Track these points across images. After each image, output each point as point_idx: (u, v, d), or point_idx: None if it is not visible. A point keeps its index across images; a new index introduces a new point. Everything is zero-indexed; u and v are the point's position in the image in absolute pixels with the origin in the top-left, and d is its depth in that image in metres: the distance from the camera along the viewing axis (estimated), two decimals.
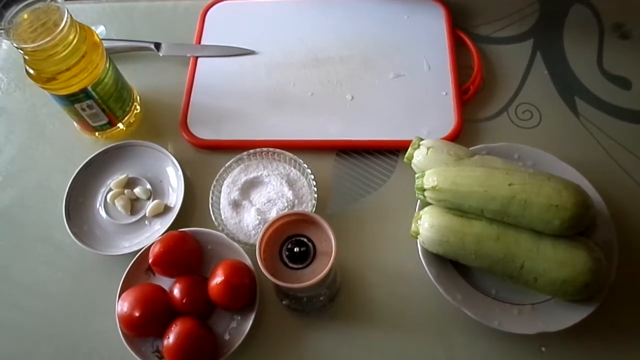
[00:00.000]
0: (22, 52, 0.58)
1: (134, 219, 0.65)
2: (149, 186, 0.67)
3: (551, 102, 0.72)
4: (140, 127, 0.73)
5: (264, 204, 0.63)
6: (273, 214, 0.62)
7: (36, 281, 0.64)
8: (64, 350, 0.60)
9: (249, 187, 0.65)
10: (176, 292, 0.56)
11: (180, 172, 0.66)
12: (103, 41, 0.65)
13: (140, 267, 0.60)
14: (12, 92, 0.79)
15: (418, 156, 0.59)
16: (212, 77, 0.75)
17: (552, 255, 0.52)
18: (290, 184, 0.64)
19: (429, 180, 0.55)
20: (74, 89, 0.61)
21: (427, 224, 0.55)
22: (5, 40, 0.83)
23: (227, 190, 0.64)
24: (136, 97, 0.73)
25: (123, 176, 0.67)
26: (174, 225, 0.63)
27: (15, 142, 0.74)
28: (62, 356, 0.59)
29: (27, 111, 0.77)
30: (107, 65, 0.64)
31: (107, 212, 0.66)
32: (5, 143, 0.74)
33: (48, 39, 0.56)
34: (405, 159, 0.61)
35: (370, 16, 0.79)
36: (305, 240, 0.50)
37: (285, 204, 0.62)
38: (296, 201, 0.63)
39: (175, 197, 0.66)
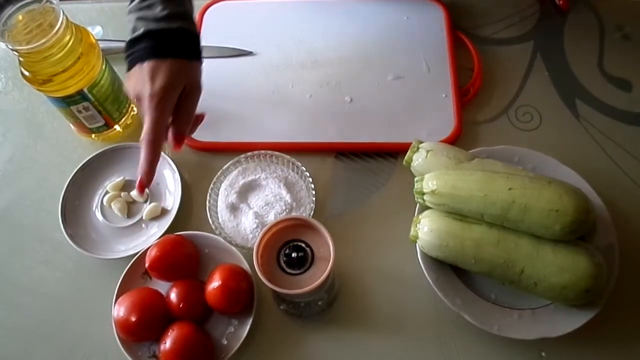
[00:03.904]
0: (17, 54, 0.57)
1: (131, 222, 0.64)
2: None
3: (552, 104, 0.71)
4: (137, 128, 0.72)
5: (262, 207, 0.62)
6: (271, 217, 0.61)
7: (33, 282, 0.63)
8: (60, 353, 0.59)
9: (246, 190, 0.64)
10: (173, 296, 0.56)
11: (177, 175, 0.66)
12: (99, 42, 0.64)
13: (137, 271, 0.60)
14: (9, 91, 0.78)
15: (417, 159, 0.59)
16: (210, 78, 0.74)
17: (552, 260, 0.51)
18: (289, 187, 0.63)
19: (429, 184, 0.55)
20: (70, 90, 0.61)
21: (426, 228, 0.55)
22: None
23: (224, 193, 0.64)
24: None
25: (120, 179, 0.67)
26: (170, 229, 0.62)
27: (12, 141, 0.74)
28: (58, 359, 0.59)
29: (24, 110, 0.76)
30: (104, 66, 0.64)
31: (103, 214, 0.65)
32: (3, 142, 0.74)
33: (43, 40, 0.56)
34: (404, 162, 0.60)
35: (369, 17, 0.79)
36: (303, 245, 0.50)
37: (283, 207, 0.62)
38: (294, 204, 0.62)
39: (172, 200, 0.65)
